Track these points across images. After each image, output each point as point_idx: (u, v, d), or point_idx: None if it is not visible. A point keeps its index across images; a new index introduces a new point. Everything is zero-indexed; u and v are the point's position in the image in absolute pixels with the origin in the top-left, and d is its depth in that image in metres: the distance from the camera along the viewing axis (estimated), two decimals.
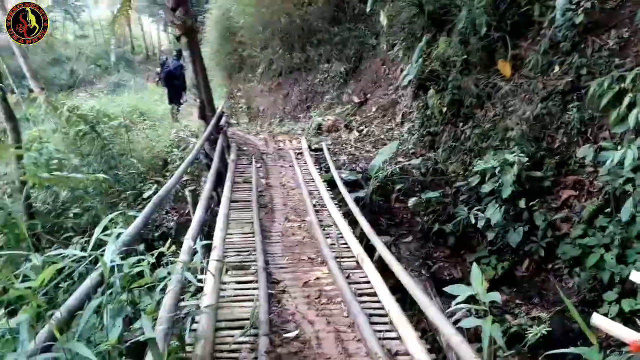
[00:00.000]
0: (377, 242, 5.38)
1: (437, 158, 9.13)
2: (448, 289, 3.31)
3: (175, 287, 2.96)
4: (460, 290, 3.20)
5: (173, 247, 3.61)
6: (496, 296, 3.10)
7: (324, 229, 6.29)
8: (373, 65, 13.93)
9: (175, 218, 9.30)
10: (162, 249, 3.37)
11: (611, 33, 7.23)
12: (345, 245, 5.78)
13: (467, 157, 8.85)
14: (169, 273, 3.25)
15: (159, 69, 16.44)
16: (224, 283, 4.67)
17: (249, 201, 7.57)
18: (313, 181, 8.60)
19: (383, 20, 10.15)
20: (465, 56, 9.06)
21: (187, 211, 8.48)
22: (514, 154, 7.66)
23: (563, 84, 7.76)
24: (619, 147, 6.68)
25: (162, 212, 9.45)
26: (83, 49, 35.76)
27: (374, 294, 4.55)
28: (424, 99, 9.87)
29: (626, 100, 6.65)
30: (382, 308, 4.25)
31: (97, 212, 9.50)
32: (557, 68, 8.03)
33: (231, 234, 6.20)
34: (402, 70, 10.90)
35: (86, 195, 9.79)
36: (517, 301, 7.50)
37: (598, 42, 7.38)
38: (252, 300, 4.33)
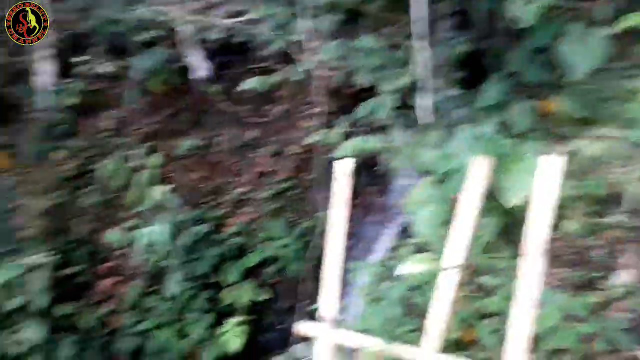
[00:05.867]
0: None
1: None
2: None
3: None
4: None
5: None
6: None
7: None
8: None
9: None
10: None
11: (109, 113, 7.28)
12: None
13: None
14: None
15: None
16: None
17: None
18: None
19: None
20: None
21: None
22: (40, 255, 6.52)
23: (70, 169, 7.26)
24: (142, 225, 6.74)
25: None
26: None
27: None
28: None
29: (145, 178, 6.90)
30: None
31: None
32: (60, 153, 7.42)
33: None
34: None
35: None
36: None
37: (96, 123, 7.30)
38: None
